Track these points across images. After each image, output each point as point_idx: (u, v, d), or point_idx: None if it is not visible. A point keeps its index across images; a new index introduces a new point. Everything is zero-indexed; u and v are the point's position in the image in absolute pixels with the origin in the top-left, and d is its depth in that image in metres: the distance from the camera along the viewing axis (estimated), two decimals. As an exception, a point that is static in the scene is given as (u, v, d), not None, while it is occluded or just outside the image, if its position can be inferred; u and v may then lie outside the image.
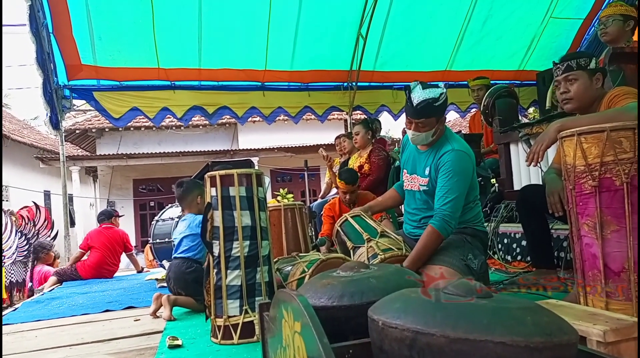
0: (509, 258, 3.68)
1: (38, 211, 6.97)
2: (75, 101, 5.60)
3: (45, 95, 5.03)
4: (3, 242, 5.92)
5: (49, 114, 5.19)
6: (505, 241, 3.76)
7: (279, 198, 7.03)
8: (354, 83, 6.28)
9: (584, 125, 1.83)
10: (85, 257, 5.34)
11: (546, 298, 2.16)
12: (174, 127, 13.03)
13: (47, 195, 13.60)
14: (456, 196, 2.30)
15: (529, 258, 3.29)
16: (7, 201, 11.61)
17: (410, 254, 2.32)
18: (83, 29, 5.02)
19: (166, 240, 5.62)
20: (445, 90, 2.31)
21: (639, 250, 1.69)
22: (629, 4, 3.47)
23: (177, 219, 5.63)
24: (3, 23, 4.56)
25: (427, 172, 2.44)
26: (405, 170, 2.64)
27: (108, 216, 5.74)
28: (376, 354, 1.00)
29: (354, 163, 4.64)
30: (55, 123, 5.30)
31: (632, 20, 3.24)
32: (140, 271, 5.89)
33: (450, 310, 0.92)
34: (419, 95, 2.28)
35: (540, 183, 3.00)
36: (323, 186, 6.46)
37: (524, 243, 3.49)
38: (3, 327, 2.86)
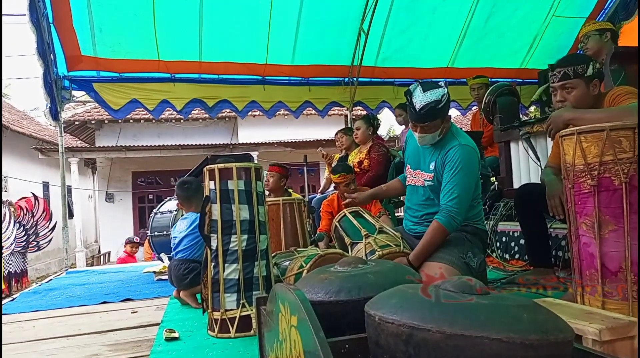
0: (507, 256, 3.68)
1: (37, 202, 6.96)
2: (74, 92, 5.58)
3: (45, 86, 5.02)
4: (2, 233, 5.92)
5: (49, 105, 5.19)
6: (504, 239, 3.76)
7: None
8: (355, 78, 6.25)
9: (590, 119, 1.85)
10: None
11: (544, 297, 2.16)
12: (173, 120, 12.99)
13: (45, 186, 13.58)
14: (463, 191, 2.28)
15: (526, 257, 3.29)
16: (5, 191, 11.59)
17: (415, 249, 2.32)
18: (83, 20, 4.99)
19: (164, 232, 5.64)
20: (446, 90, 2.27)
21: (638, 250, 1.69)
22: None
23: (175, 213, 5.64)
24: (3, 13, 4.53)
25: (432, 167, 2.42)
26: (408, 165, 2.62)
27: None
28: (372, 349, 1.00)
29: (354, 158, 4.63)
30: (54, 114, 5.28)
31: (608, 31, 3.49)
32: None
33: (448, 306, 0.92)
34: (420, 99, 2.24)
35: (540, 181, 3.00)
36: (322, 182, 6.45)
37: (522, 241, 3.49)
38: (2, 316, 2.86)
